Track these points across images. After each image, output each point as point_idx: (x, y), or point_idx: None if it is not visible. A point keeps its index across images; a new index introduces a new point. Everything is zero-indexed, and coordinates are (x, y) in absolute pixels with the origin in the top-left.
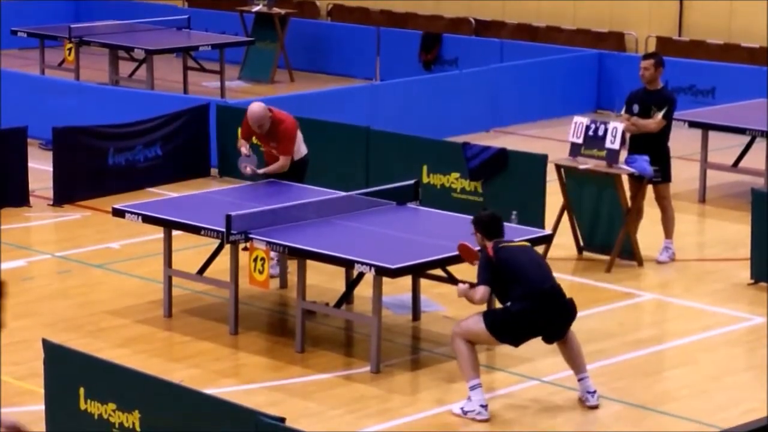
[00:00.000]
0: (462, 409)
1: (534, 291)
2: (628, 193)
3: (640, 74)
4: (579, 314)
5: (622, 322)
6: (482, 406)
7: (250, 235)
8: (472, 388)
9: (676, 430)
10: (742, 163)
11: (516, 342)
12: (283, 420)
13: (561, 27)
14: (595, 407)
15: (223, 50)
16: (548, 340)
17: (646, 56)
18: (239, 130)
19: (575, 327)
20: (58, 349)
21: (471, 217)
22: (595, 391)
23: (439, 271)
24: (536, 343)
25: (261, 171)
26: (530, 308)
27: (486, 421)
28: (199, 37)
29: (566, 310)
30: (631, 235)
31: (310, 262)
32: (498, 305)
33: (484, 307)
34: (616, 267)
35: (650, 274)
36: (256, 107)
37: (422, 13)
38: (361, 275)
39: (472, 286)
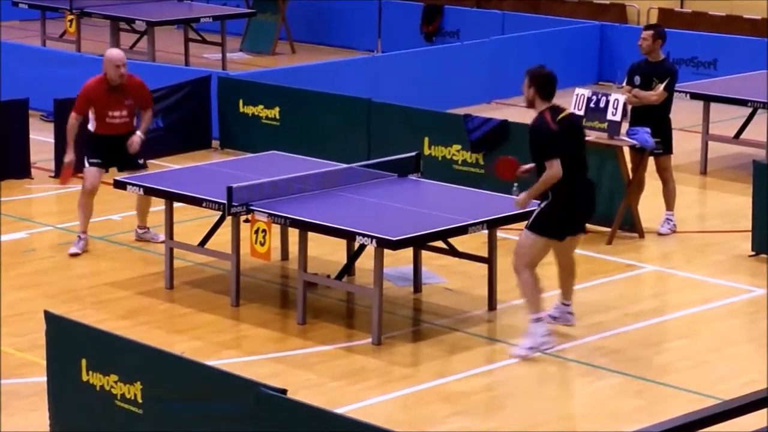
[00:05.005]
0: (527, 348)
1: (576, 178)
2: (629, 165)
3: (639, 44)
4: (580, 286)
5: (622, 294)
6: (546, 335)
7: (252, 207)
8: (535, 320)
9: (676, 402)
10: (744, 135)
11: (561, 235)
12: (284, 391)
13: None
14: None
15: (224, 22)
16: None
17: (647, 27)
18: (71, 115)
19: (576, 298)
20: (60, 321)
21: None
22: (573, 313)
23: (440, 243)
24: None
25: (140, 132)
26: (569, 198)
27: (554, 347)
28: (201, 9)
29: (593, 201)
30: (632, 207)
31: (311, 234)
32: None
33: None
34: (617, 239)
35: (651, 246)
36: (115, 50)
37: None
38: (362, 247)
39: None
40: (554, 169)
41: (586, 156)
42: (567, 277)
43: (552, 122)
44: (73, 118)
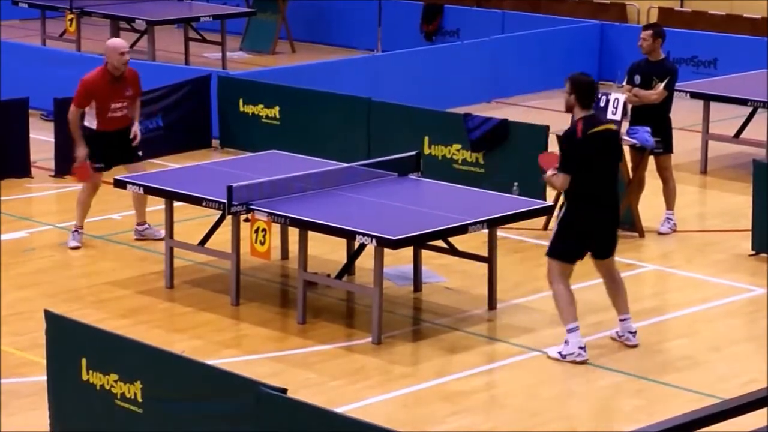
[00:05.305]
0: (560, 353)
1: (592, 203)
2: (629, 165)
3: (639, 44)
4: (579, 286)
5: None
6: (581, 348)
7: (252, 206)
8: (570, 330)
9: (676, 401)
10: (744, 135)
11: (573, 257)
12: (284, 391)
13: None
14: (635, 346)
15: (224, 21)
16: (597, 255)
17: (646, 27)
18: (71, 110)
19: (576, 298)
20: (60, 320)
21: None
22: (635, 331)
23: (440, 243)
24: (538, 314)
25: (136, 129)
26: (576, 223)
27: (585, 362)
28: (201, 8)
29: (614, 222)
30: (633, 207)
31: (311, 233)
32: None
33: None
34: None
35: (651, 245)
36: (116, 38)
37: None
38: (362, 246)
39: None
40: (559, 181)
41: (615, 177)
42: (610, 292)
43: (581, 133)
44: (74, 112)
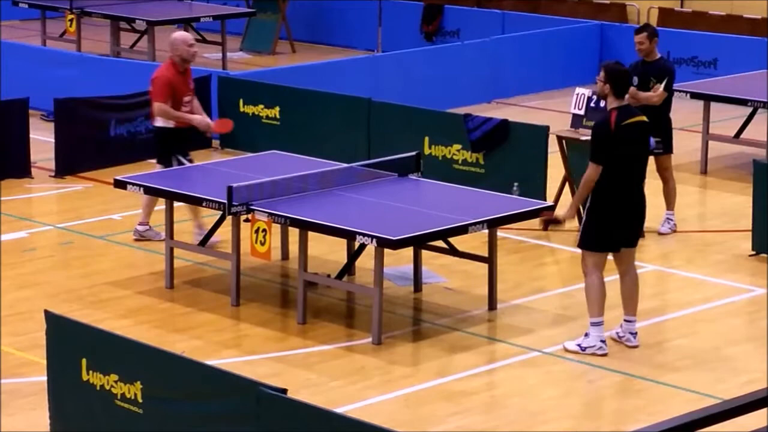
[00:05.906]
0: (579, 345)
1: (621, 192)
2: None
3: (637, 49)
4: (580, 287)
5: None
6: (602, 341)
7: (252, 207)
8: (594, 324)
9: (676, 401)
10: (744, 135)
11: (604, 246)
12: (284, 391)
13: None
14: (635, 347)
15: (224, 21)
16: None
17: (639, 30)
18: (159, 105)
19: (576, 298)
20: (60, 320)
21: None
22: (636, 332)
23: (440, 243)
24: (538, 314)
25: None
26: (606, 212)
27: (605, 355)
28: (201, 8)
29: (640, 211)
30: None
31: (311, 234)
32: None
33: None
34: None
35: (652, 245)
36: (179, 31)
37: None
38: (362, 247)
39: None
40: (590, 172)
41: (643, 168)
42: (624, 289)
43: (614, 124)
44: (162, 106)
